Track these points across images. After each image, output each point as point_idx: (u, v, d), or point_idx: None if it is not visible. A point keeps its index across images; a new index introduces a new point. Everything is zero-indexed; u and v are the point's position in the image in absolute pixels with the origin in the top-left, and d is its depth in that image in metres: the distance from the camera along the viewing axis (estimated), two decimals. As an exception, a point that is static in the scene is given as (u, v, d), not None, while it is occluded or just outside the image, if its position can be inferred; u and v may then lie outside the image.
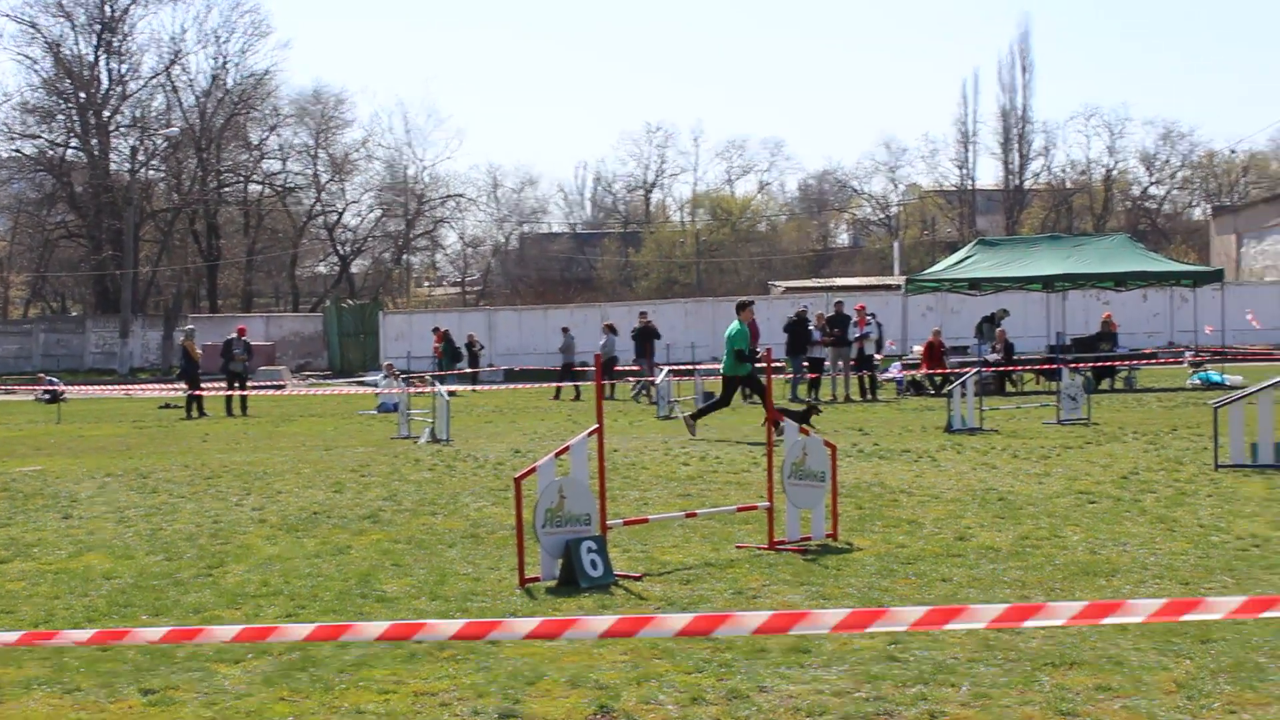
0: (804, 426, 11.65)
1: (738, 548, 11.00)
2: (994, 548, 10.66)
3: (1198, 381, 34.60)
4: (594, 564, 9.53)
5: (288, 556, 11.07)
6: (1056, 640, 7.55)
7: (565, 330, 44.36)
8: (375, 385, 39.03)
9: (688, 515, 11.94)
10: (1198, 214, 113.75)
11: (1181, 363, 40.42)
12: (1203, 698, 6.45)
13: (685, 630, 5.12)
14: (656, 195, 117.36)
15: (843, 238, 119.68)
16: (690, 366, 37.29)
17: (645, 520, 11.52)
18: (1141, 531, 11.29)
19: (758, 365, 21.82)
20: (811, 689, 6.79)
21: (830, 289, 65.39)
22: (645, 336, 38.25)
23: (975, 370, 24.99)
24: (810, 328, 33.93)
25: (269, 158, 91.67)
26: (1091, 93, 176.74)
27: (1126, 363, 36.50)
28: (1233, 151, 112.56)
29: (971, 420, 22.21)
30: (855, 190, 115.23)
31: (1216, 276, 43.91)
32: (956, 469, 16.38)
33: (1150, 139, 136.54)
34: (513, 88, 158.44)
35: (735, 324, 22.01)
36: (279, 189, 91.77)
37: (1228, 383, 33.27)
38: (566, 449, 10.00)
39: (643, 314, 40.39)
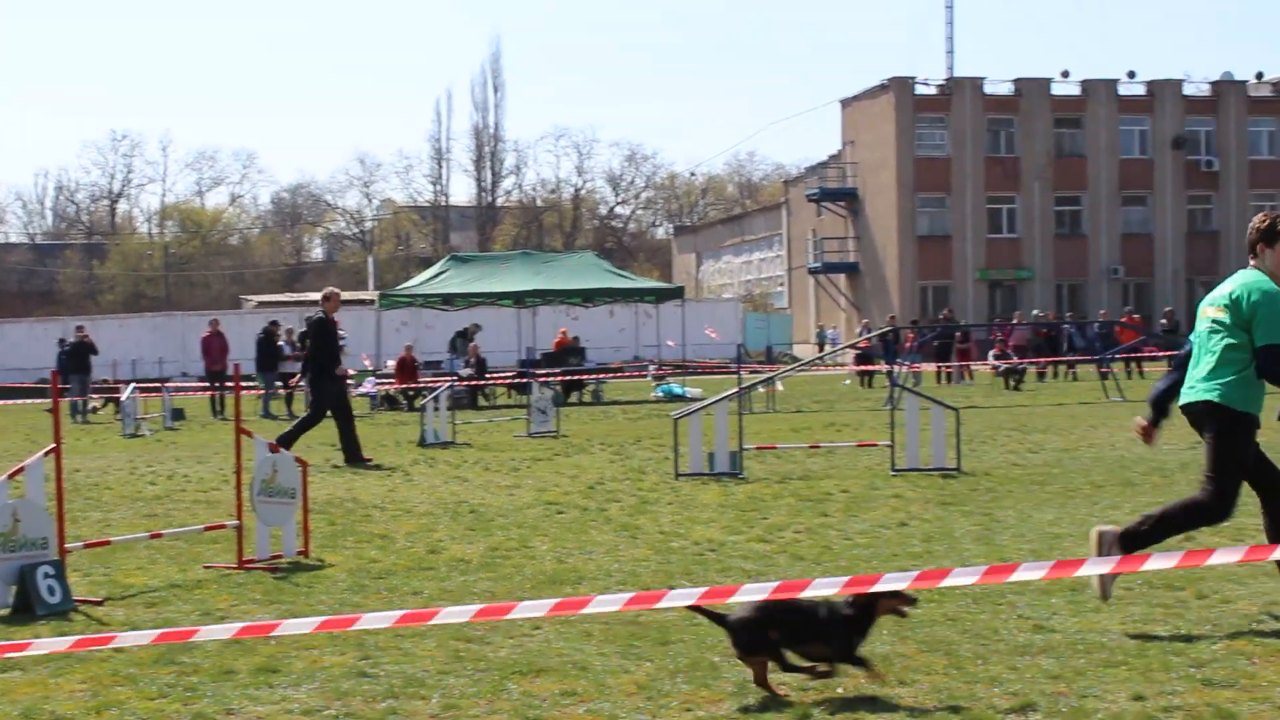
0: (275, 444, 11.46)
1: (206, 568, 10.71)
2: (465, 560, 10.78)
3: (660, 394, 36.10)
4: (51, 590, 9.08)
5: None
6: (524, 649, 7.69)
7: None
8: None
9: (153, 536, 11.53)
10: (661, 233, 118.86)
11: (646, 376, 42.07)
12: (662, 698, 6.70)
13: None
14: (123, 206, 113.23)
15: (317, 252, 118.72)
16: (159, 383, 36.06)
17: (107, 542, 11.05)
18: (607, 539, 11.67)
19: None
20: (281, 708, 6.68)
21: (304, 303, 64.69)
22: (80, 353, 35.86)
23: (448, 385, 25.26)
24: (280, 343, 33.47)
25: None
26: (561, 114, 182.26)
27: (594, 376, 37.70)
28: (692, 174, 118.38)
29: (444, 434, 22.42)
30: (329, 204, 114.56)
31: (678, 293, 46.07)
32: (429, 483, 16.49)
33: (616, 160, 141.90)
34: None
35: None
36: None
37: (688, 395, 34.85)
38: (20, 470, 9.50)
39: (79, 328, 38.06)
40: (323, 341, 19.52)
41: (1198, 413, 8.22)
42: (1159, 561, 5.19)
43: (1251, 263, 8.16)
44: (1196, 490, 8.45)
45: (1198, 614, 8.12)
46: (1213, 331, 8.11)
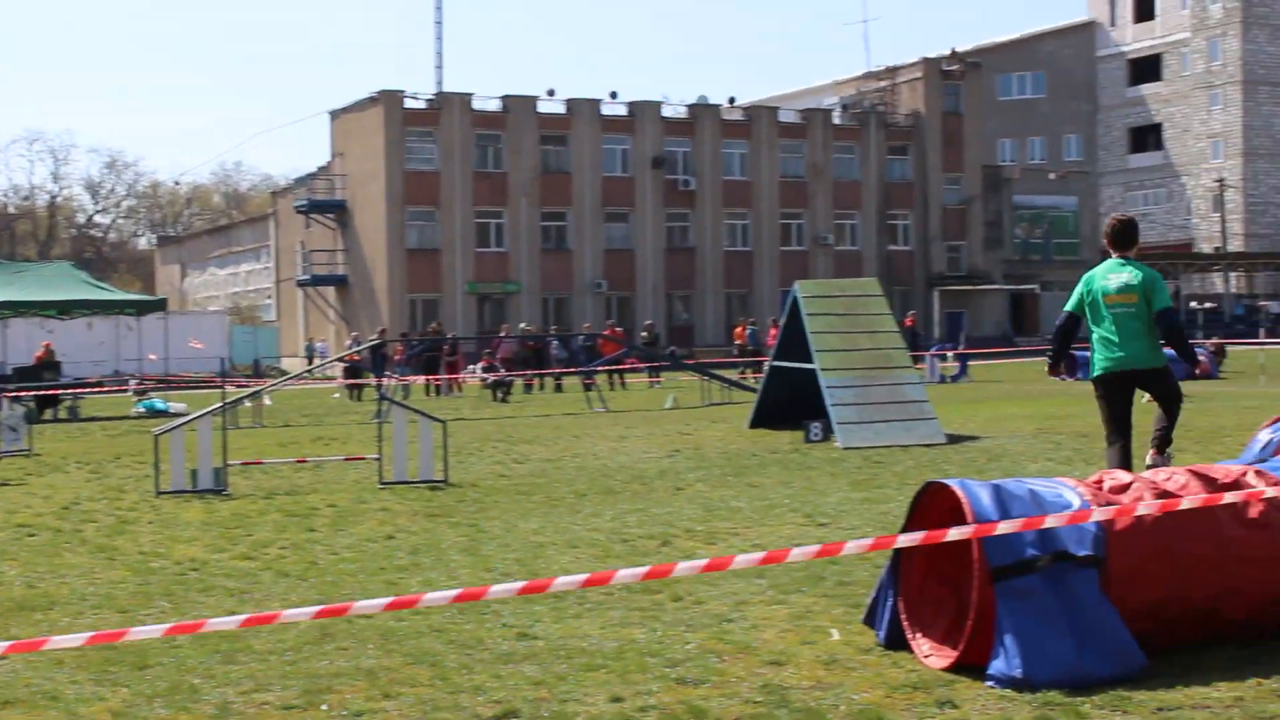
0: None
1: None
2: (-77, 589, 10.10)
3: (142, 410, 34.84)
4: None
5: None
6: (-11, 680, 7.28)
7: None
8: None
9: None
10: (143, 243, 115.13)
11: (127, 391, 40.54)
12: (139, 724, 6.48)
13: None
14: None
15: None
16: None
17: None
18: (82, 562, 11.17)
19: None
20: None
21: None
22: None
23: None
24: None
25: None
26: (35, 117, 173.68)
27: (71, 391, 36.05)
28: (177, 183, 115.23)
29: (-97, 455, 20.95)
30: None
31: (160, 305, 44.65)
32: (-116, 507, 15.35)
33: (95, 167, 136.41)
34: None
35: None
36: None
37: (172, 410, 33.77)
38: None
39: None
40: None
41: (1147, 375, 10.74)
42: (630, 573, 5.35)
43: (1118, 254, 10.81)
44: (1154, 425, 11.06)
45: (673, 615, 8.45)
46: (1130, 313, 10.56)
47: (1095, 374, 10.87)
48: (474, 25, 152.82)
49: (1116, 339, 10.63)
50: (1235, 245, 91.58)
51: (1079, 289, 10.94)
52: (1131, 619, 6.82)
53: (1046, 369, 11.92)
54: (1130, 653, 6.69)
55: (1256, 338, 32.03)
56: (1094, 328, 10.88)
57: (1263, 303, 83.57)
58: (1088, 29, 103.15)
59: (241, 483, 16.60)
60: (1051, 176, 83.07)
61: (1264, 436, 9.89)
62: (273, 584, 9.99)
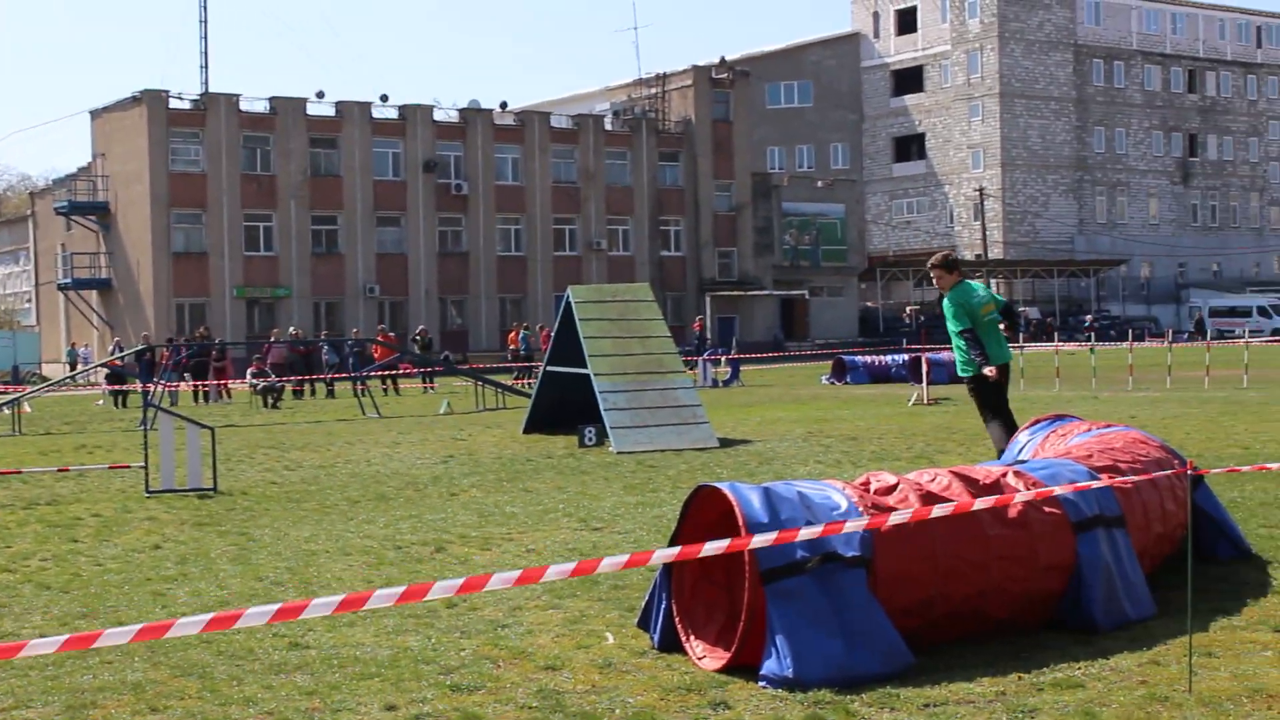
0: None
1: None
2: None
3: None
4: None
5: None
6: None
7: None
8: None
9: None
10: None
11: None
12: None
13: None
14: None
15: None
16: None
17: None
18: None
19: None
20: None
21: None
22: None
23: None
24: None
25: None
26: None
27: None
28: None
29: None
30: None
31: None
32: None
33: None
34: None
35: None
36: None
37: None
38: None
39: None
40: None
41: (1007, 365, 13.36)
42: (382, 600, 5.27)
43: (954, 277, 13.33)
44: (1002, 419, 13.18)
45: (448, 622, 8.41)
46: (995, 320, 13.25)
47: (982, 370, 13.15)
48: (240, 25, 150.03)
49: (995, 342, 13.26)
50: (995, 252, 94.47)
51: (963, 309, 13.13)
52: (898, 618, 6.99)
53: (988, 372, 13.08)
54: (898, 651, 6.86)
55: (1016, 342, 33.09)
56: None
57: (1022, 309, 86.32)
58: (852, 40, 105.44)
59: (-1, 493, 16.07)
60: (819, 184, 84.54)
61: (1023, 438, 10.25)
62: (34, 597, 9.68)
